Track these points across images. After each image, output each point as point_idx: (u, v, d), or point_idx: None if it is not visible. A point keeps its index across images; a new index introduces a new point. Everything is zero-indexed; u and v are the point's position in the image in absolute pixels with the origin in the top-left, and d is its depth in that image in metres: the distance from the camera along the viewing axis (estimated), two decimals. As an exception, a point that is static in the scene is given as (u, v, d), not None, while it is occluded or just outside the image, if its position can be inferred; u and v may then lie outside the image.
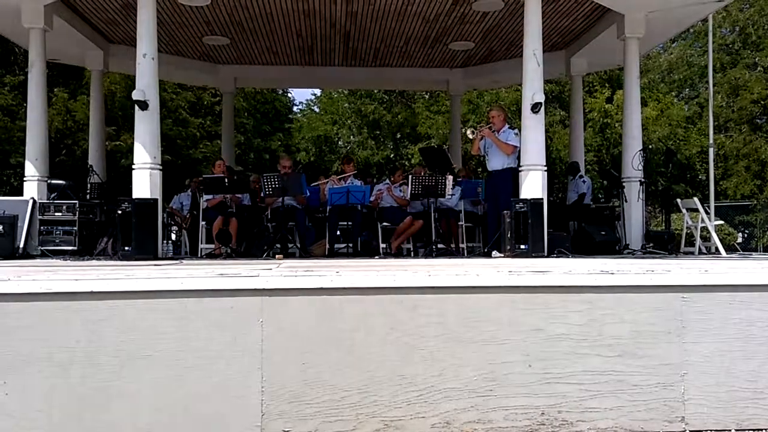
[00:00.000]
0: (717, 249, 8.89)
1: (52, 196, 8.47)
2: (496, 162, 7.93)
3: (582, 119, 12.37)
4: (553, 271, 3.89)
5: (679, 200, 9.74)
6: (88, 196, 9.43)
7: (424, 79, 13.76)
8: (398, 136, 25.53)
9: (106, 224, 8.83)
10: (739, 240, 17.62)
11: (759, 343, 3.84)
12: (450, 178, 8.28)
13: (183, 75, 13.30)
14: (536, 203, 7.21)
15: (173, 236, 10.60)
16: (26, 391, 3.45)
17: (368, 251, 8.88)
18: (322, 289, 3.67)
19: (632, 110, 9.09)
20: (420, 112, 23.48)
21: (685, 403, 3.77)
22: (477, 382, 3.68)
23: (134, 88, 7.42)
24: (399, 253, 8.67)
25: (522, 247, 7.08)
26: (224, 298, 3.60)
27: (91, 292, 3.54)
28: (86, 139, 12.66)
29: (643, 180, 8.78)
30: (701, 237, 9.21)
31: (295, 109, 28.80)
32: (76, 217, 8.24)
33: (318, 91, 27.37)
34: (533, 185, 7.48)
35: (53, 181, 8.59)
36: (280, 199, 8.17)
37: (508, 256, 7.17)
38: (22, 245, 7.83)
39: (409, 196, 8.42)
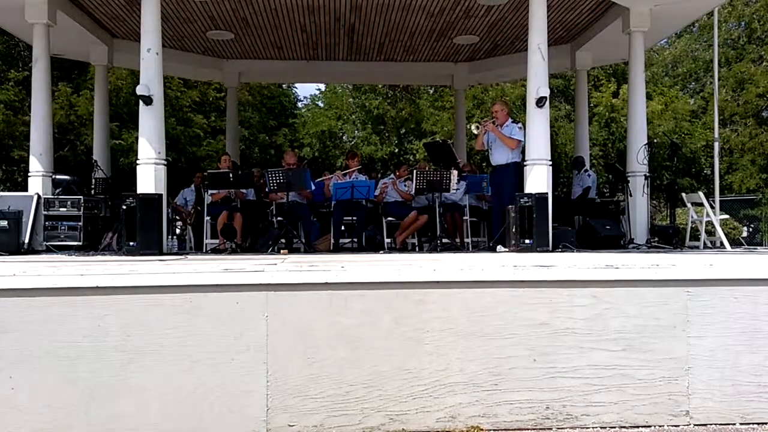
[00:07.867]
0: (722, 243, 8.85)
1: (57, 191, 8.47)
2: (500, 156, 7.91)
3: (587, 113, 12.33)
4: (557, 266, 3.88)
5: (684, 194, 9.69)
6: (92, 192, 9.44)
7: (429, 73, 13.69)
8: (402, 131, 25.48)
9: (110, 219, 8.84)
10: (744, 234, 17.57)
11: (764, 337, 3.84)
12: (455, 172, 8.26)
13: (187, 70, 13.26)
14: (541, 198, 7.18)
15: (178, 231, 10.61)
16: (33, 385, 3.47)
17: (373, 246, 8.87)
18: (327, 284, 3.68)
19: (637, 104, 9.05)
20: (424, 108, 23.43)
21: (690, 397, 3.77)
22: (482, 376, 3.69)
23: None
24: (404, 248, 8.67)
25: (527, 241, 7.06)
26: (229, 293, 3.61)
27: (97, 287, 3.55)
28: (88, 134, 12.65)
29: (648, 174, 8.75)
30: (706, 231, 9.18)
31: (299, 104, 28.78)
32: (80, 213, 8.23)
33: (322, 87, 27.35)
34: (538, 180, 7.47)
35: (58, 177, 8.58)
36: (285, 194, 8.18)
37: (512, 251, 7.16)
38: (27, 241, 7.84)
39: (413, 191, 8.40)
